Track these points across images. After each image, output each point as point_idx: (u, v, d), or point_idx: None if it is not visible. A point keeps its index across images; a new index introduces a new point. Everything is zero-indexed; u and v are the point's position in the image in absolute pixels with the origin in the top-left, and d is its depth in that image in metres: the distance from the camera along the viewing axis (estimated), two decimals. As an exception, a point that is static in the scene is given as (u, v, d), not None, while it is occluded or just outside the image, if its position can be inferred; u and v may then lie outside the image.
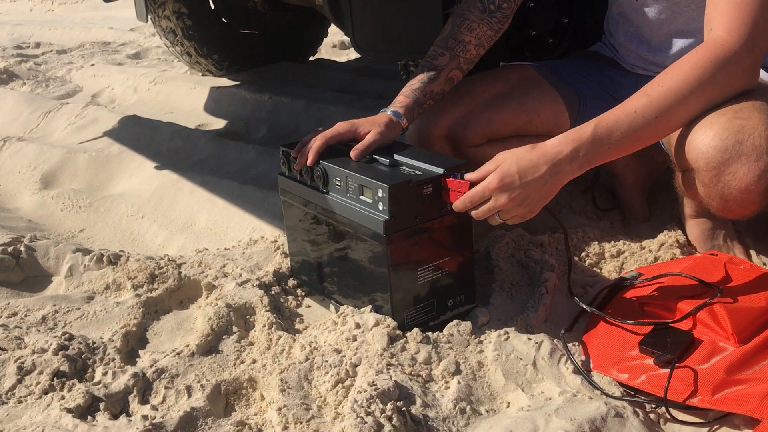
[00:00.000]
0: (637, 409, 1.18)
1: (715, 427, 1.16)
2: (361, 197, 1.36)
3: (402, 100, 1.54)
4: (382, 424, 1.11)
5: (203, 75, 3.59)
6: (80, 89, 3.81)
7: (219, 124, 3.01)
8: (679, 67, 1.27)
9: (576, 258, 1.64)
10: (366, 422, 1.11)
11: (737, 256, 1.59)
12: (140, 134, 2.66)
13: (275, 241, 1.80)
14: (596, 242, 1.68)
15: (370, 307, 1.42)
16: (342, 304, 1.50)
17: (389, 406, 1.15)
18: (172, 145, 2.54)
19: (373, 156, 1.44)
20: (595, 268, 1.62)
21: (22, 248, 1.77)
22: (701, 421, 1.17)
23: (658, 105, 1.26)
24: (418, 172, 1.35)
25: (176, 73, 3.68)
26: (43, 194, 2.36)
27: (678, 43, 1.57)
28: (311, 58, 3.90)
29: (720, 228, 1.63)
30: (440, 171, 1.34)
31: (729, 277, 1.41)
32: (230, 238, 1.91)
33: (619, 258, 1.64)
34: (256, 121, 2.94)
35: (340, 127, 1.48)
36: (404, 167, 1.39)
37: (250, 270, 1.70)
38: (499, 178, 1.26)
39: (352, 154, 1.43)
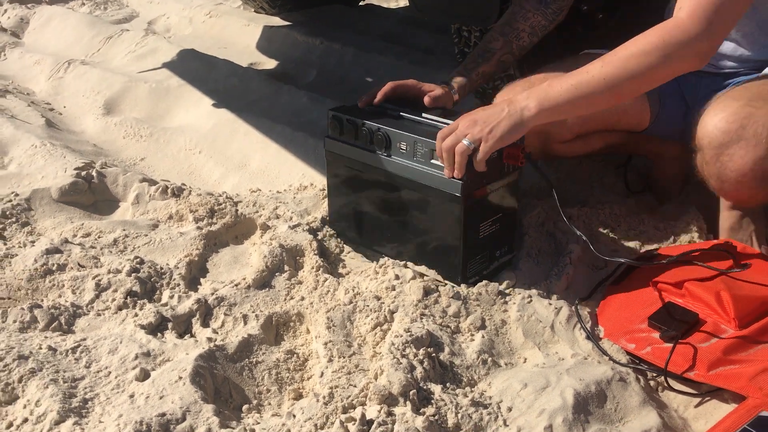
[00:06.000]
0: (640, 377, 1.33)
1: (707, 399, 1.31)
2: (433, 161, 1.49)
3: (457, 79, 1.70)
4: (414, 366, 1.28)
5: (256, 11, 3.69)
6: (137, 14, 3.93)
7: (270, 63, 3.13)
8: (636, 41, 1.38)
9: (601, 231, 1.77)
10: (401, 363, 1.27)
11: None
12: (198, 69, 2.79)
13: (323, 189, 1.94)
14: (622, 219, 1.81)
15: (406, 263, 1.58)
16: (404, 263, 1.62)
17: (422, 351, 1.31)
18: (228, 83, 2.68)
19: (428, 121, 1.58)
20: (617, 244, 1.75)
21: (94, 173, 1.94)
22: (695, 392, 1.32)
23: (608, 71, 1.37)
24: None
25: (230, 8, 3.78)
26: (106, 120, 2.52)
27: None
28: (362, 3, 3.97)
29: (750, 224, 1.73)
30: None
31: (739, 264, 1.54)
32: (282, 181, 2.07)
33: (640, 236, 1.77)
34: (307, 64, 3.05)
35: (408, 82, 1.65)
36: None
37: (300, 214, 1.85)
38: (466, 113, 1.45)
39: (426, 100, 1.60)
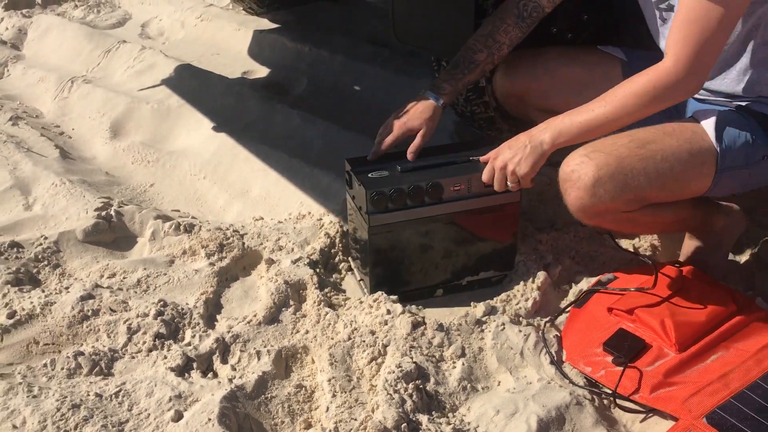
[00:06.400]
0: (595, 396, 1.59)
1: (650, 415, 1.56)
2: (487, 187, 1.79)
3: (445, 87, 1.94)
4: (405, 400, 1.53)
5: (245, 11, 3.82)
6: (130, 16, 4.06)
7: (262, 71, 3.30)
8: (632, 83, 1.64)
9: (567, 257, 2.00)
10: (394, 398, 1.52)
11: (741, 294, 1.86)
12: (195, 87, 2.97)
13: (320, 219, 2.16)
14: (584, 241, 2.04)
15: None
16: (455, 284, 1.94)
17: (410, 385, 1.56)
18: (224, 102, 2.86)
19: (454, 161, 1.86)
20: (581, 266, 1.99)
21: (113, 213, 2.15)
22: (641, 409, 1.58)
23: (609, 110, 1.65)
24: None
25: (220, 10, 3.91)
26: (114, 145, 2.71)
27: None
28: (345, -3, 4.09)
29: (709, 252, 1.93)
30: None
31: (683, 289, 1.78)
32: (282, 209, 2.28)
33: (600, 257, 2.00)
34: (297, 72, 3.23)
35: (397, 131, 1.89)
36: (476, 158, 1.84)
37: (300, 245, 2.07)
38: (494, 151, 1.78)
39: (410, 155, 1.86)
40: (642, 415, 1.57)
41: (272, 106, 2.78)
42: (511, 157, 1.73)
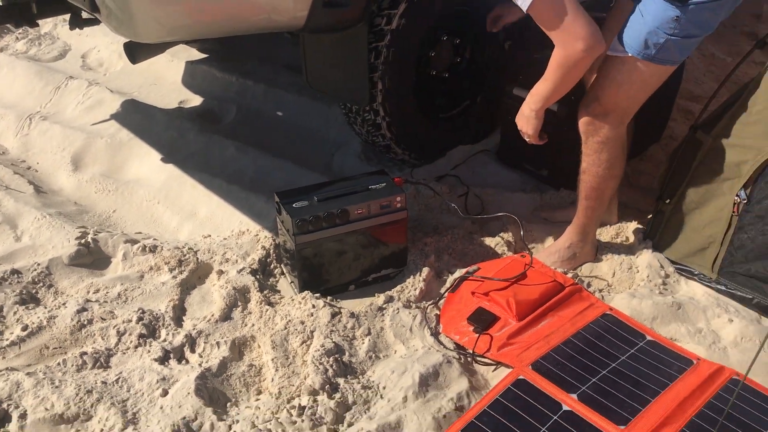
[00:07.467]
0: (461, 356, 2.26)
1: (499, 367, 2.24)
2: (382, 209, 2.43)
3: None
4: (327, 369, 2.17)
5: (175, 40, 4.32)
6: (69, 48, 4.49)
7: (196, 100, 3.84)
8: (549, 65, 2.17)
9: (446, 253, 2.67)
10: (319, 368, 2.16)
11: (566, 276, 2.58)
12: (140, 121, 3.49)
13: (257, 235, 2.76)
14: (459, 241, 2.72)
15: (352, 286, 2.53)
16: (363, 281, 2.56)
17: (331, 359, 2.20)
18: (167, 135, 3.40)
19: (358, 190, 2.47)
20: (456, 260, 2.66)
21: (90, 240, 2.70)
22: (492, 363, 2.26)
23: (553, 83, 2.20)
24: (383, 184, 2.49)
25: (153, 41, 4.39)
26: (77, 177, 3.23)
27: None
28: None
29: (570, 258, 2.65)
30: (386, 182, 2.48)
31: (525, 275, 2.47)
32: (225, 227, 2.87)
33: (471, 253, 2.68)
34: (227, 101, 3.78)
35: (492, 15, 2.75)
36: (372, 187, 2.47)
37: (242, 257, 2.67)
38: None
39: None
40: (492, 367, 2.26)
41: (209, 138, 3.34)
42: (520, 126, 2.40)
